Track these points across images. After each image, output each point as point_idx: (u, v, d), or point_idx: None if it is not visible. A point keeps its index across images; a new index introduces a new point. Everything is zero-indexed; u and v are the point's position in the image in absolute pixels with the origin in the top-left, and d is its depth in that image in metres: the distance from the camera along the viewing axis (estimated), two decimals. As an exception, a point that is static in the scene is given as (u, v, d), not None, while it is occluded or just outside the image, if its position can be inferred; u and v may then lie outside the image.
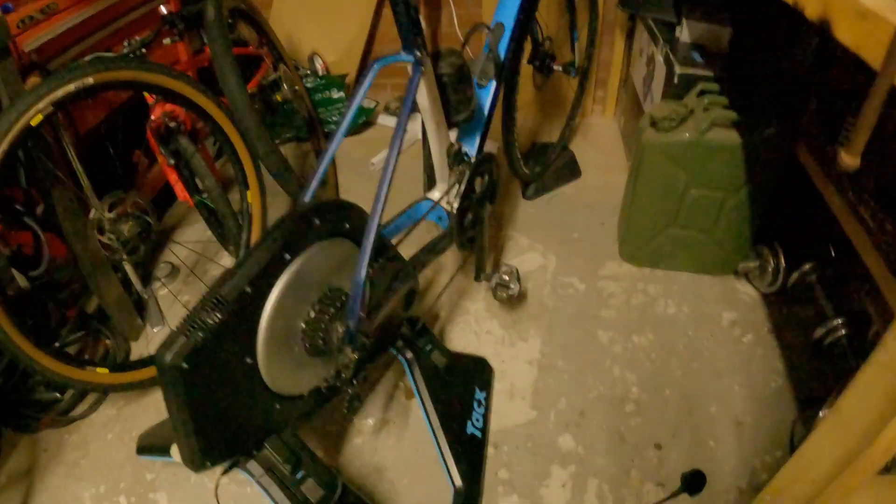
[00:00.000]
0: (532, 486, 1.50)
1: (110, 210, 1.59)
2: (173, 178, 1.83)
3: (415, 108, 1.49)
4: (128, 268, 1.72)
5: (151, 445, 1.54)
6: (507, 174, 2.33)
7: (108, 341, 1.82)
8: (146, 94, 1.77)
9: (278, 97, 2.23)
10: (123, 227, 1.59)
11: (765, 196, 1.75)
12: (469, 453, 1.51)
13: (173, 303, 2.03)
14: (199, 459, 1.13)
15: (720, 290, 1.91)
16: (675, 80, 1.83)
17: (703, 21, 1.89)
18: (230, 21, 2.05)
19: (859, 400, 0.91)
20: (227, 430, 1.17)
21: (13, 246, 1.63)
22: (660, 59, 1.97)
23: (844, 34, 0.82)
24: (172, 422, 1.11)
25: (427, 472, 1.54)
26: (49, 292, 1.73)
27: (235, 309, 1.11)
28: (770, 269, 1.79)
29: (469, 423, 1.55)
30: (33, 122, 1.37)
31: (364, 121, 2.83)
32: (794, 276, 1.73)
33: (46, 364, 1.49)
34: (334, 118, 2.69)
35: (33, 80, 1.57)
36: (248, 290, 1.12)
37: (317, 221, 1.22)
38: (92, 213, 1.58)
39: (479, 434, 1.56)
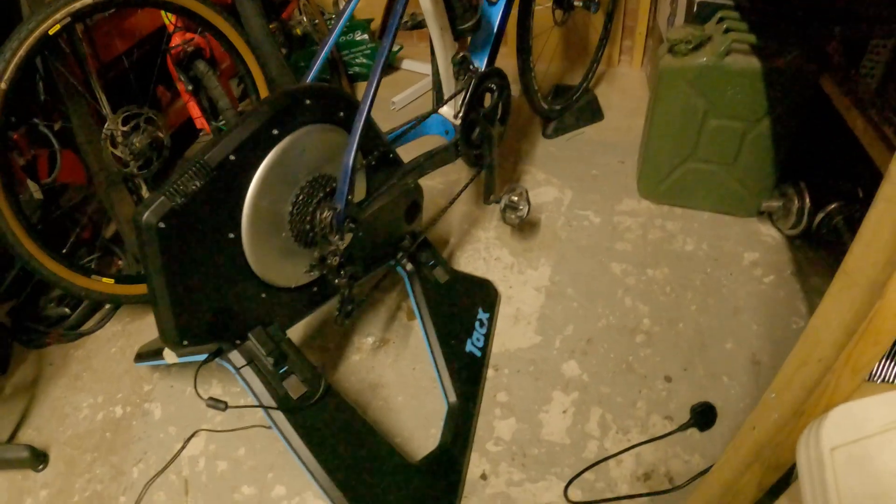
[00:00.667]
0: (531, 411, 1.44)
1: (124, 123, 1.61)
2: (192, 105, 1.85)
3: (423, 24, 1.48)
4: (141, 185, 1.73)
5: (147, 351, 1.53)
6: (528, 113, 2.30)
7: (120, 261, 1.84)
8: (167, 21, 1.80)
9: (298, 31, 2.23)
10: (136, 140, 1.60)
11: (788, 130, 1.66)
12: (466, 371, 1.47)
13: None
14: (177, 336, 1.12)
15: (742, 230, 1.82)
16: (695, 9, 1.76)
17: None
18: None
19: (865, 248, 0.82)
20: (209, 311, 1.15)
21: (28, 156, 1.66)
22: (681, -7, 1.90)
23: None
24: (149, 289, 1.09)
25: (423, 392, 1.50)
26: (61, 204, 1.75)
27: (219, 176, 1.09)
28: (794, 210, 1.70)
29: (469, 342, 1.50)
30: (51, 32, 1.40)
31: (389, 65, 2.82)
32: (820, 216, 1.65)
33: (52, 268, 1.50)
34: (358, 61, 2.69)
35: (54, -8, 1.60)
36: (233, 157, 1.10)
37: (308, 102, 1.20)
38: (106, 125, 1.60)
39: (478, 353, 1.50)
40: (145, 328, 1.74)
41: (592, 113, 2.29)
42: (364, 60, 2.69)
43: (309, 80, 1.30)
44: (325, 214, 1.22)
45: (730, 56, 1.59)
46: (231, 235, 1.14)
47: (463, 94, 1.48)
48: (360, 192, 1.33)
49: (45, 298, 1.77)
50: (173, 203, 1.04)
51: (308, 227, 1.23)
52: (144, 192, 1.74)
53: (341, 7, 2.70)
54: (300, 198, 1.21)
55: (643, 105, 1.93)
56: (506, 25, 1.62)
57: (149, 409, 1.54)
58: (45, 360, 1.70)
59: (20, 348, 1.74)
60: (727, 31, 1.62)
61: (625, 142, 2.22)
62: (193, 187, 1.06)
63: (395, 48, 2.78)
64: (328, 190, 1.24)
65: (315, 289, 1.34)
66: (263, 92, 1.84)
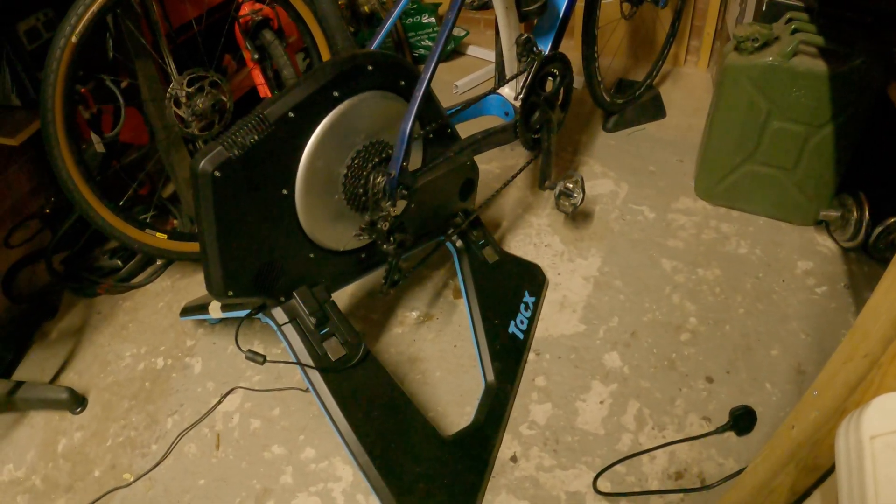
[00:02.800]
0: (568, 398, 1.42)
1: (189, 85, 1.63)
2: (257, 74, 1.87)
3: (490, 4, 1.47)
4: (202, 146, 1.75)
5: (193, 306, 1.55)
6: (590, 106, 2.27)
7: (175, 221, 1.86)
8: (236, -11, 1.82)
9: (366, 8, 2.24)
10: (199, 101, 1.62)
11: (852, 137, 1.61)
12: (507, 352, 1.45)
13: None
14: (223, 285, 1.12)
15: (797, 238, 1.77)
16: (764, 8, 1.71)
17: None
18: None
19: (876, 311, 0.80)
20: (256, 264, 1.15)
21: (93, 110, 1.70)
22: (752, -7, 1.85)
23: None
24: (200, 238, 1.10)
25: (462, 369, 1.49)
26: (121, 160, 1.78)
27: (277, 132, 1.10)
28: (852, 221, 1.64)
29: (512, 323, 1.49)
30: None
31: (452, 48, 2.81)
32: (878, 230, 1.59)
33: (108, 218, 1.53)
34: (423, 43, 2.69)
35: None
36: (292, 115, 1.11)
37: (370, 68, 1.20)
38: (171, 85, 1.62)
39: (521, 336, 1.49)
40: (194, 286, 1.76)
41: (655, 110, 2.24)
42: (429, 43, 2.69)
43: (377, 42, 1.30)
44: (378, 179, 1.22)
45: (796, 57, 1.55)
46: (284, 192, 1.14)
47: (525, 75, 1.46)
48: (415, 162, 1.33)
49: (100, 250, 1.81)
50: (230, 153, 1.04)
51: (361, 190, 1.23)
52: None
53: None
54: (356, 161, 1.21)
55: (706, 106, 1.89)
56: (572, 12, 1.60)
57: (189, 363, 1.57)
58: (93, 309, 1.74)
59: (71, 296, 1.79)
60: (795, 31, 1.58)
61: (685, 141, 2.18)
62: (251, 140, 1.07)
63: (461, 34, 2.78)
64: (384, 156, 1.24)
65: (363, 255, 1.34)
66: (324, 52, 1.84)
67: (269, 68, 1.88)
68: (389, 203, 1.21)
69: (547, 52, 1.53)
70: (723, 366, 1.46)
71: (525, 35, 1.48)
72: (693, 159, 2.06)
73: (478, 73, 2.56)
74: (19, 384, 1.49)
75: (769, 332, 1.53)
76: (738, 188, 1.80)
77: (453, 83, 2.49)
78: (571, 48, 1.73)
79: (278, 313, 1.21)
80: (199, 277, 1.77)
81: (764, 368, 1.45)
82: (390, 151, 1.24)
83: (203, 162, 1.03)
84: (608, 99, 2.10)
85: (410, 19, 2.63)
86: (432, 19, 2.61)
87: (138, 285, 1.78)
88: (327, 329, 1.23)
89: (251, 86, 2.01)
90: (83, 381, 1.55)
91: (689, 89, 2.48)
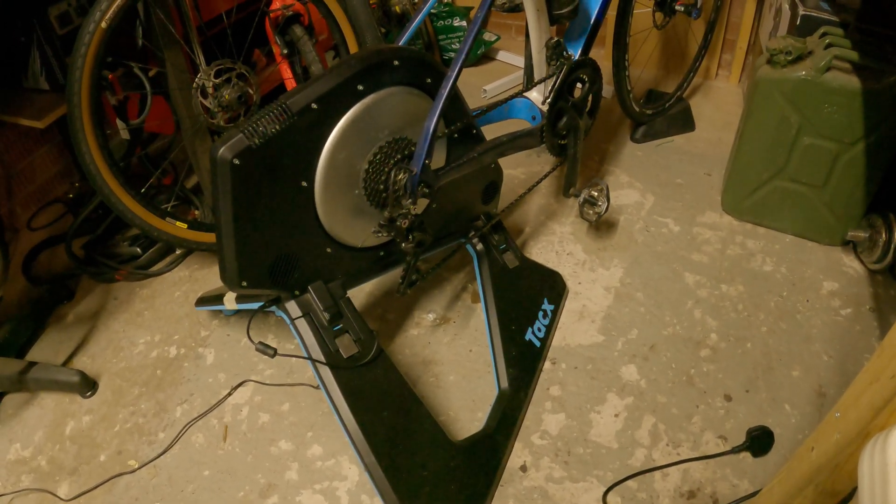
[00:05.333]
0: (583, 409, 1.38)
1: (216, 76, 1.61)
2: (286, 70, 1.85)
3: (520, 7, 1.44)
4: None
5: (208, 297, 1.53)
6: (618, 115, 2.23)
7: (196, 211, 1.85)
8: (268, -16, 1.81)
9: (397, 8, 2.22)
10: (225, 92, 1.60)
11: (884, 156, 1.56)
12: (523, 359, 1.42)
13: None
14: (236, 274, 1.10)
15: (824, 258, 1.72)
16: (798, 22, 1.67)
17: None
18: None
19: None
20: (271, 255, 1.13)
21: (120, 97, 1.69)
22: (786, 6, 1.80)
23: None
24: (216, 225, 1.08)
25: (476, 374, 1.46)
26: (146, 149, 1.77)
27: (299, 122, 1.07)
28: (881, 243, 1.59)
29: (529, 330, 1.45)
30: None
31: (482, 52, 2.78)
32: (907, 253, 1.54)
33: (129, 205, 1.52)
34: (454, 46, 2.67)
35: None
36: (315, 106, 1.08)
37: (397, 63, 1.17)
38: (199, 76, 1.61)
39: (537, 343, 1.45)
40: (212, 276, 1.74)
41: (684, 122, 2.19)
42: (458, 46, 2.64)
43: (402, 40, 1.28)
44: (400, 176, 1.19)
45: (829, 72, 1.51)
46: (304, 184, 1.12)
47: (553, 79, 1.42)
48: (438, 161, 1.30)
49: (120, 236, 1.80)
50: (250, 142, 1.02)
51: (382, 186, 1.20)
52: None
53: None
54: (377, 157, 1.18)
55: (736, 120, 1.85)
56: (603, 17, 1.57)
57: (202, 353, 1.55)
58: (110, 295, 1.73)
59: (89, 281, 1.77)
60: (829, 46, 1.54)
61: (713, 154, 2.13)
62: (273, 130, 1.04)
63: (492, 38, 2.75)
64: (406, 153, 1.21)
65: (382, 253, 1.32)
66: (353, 49, 1.83)
67: (297, 63, 1.86)
68: (410, 201, 1.18)
69: (577, 58, 1.50)
70: (742, 384, 1.41)
71: (555, 39, 1.44)
72: (721, 173, 2.01)
73: (507, 78, 2.53)
74: (31, 364, 1.47)
75: (791, 353, 1.48)
76: (765, 204, 1.75)
77: (482, 87, 2.46)
78: (601, 58, 1.68)
79: (292, 307, 1.19)
80: (217, 268, 1.74)
81: (784, 389, 1.40)
82: (413, 149, 1.21)
83: (223, 149, 1.01)
84: (637, 109, 2.05)
85: (442, 22, 2.60)
86: (463, 23, 2.57)
87: (156, 273, 1.76)
88: (341, 325, 1.20)
89: (280, 81, 2.00)
90: (95, 366, 1.54)
91: (719, 103, 2.43)
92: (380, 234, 1.21)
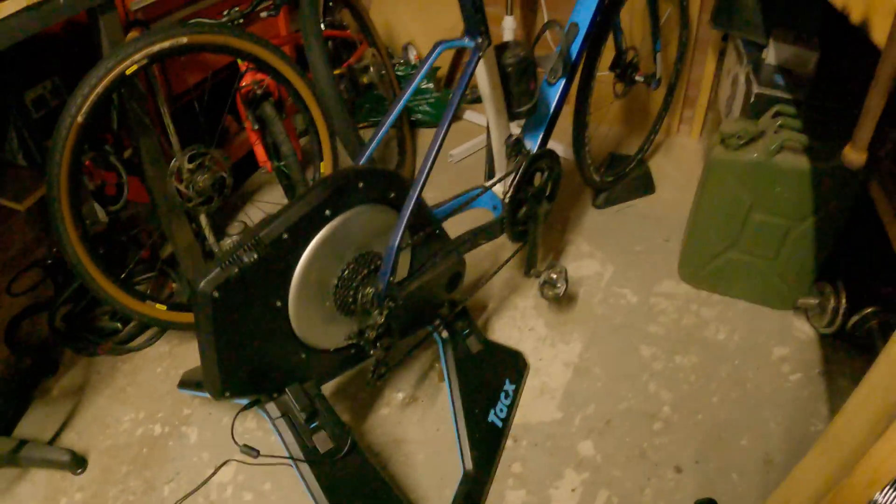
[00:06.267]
0: (542, 485, 1.59)
1: (190, 161, 1.80)
2: (256, 142, 2.04)
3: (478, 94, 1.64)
4: (202, 218, 1.93)
5: (191, 380, 1.73)
6: (581, 181, 2.43)
7: (174, 284, 2.05)
8: (239, 62, 1.99)
9: (365, 79, 2.41)
10: (199, 178, 1.79)
11: (832, 231, 1.78)
12: (486, 441, 1.63)
13: (237, 258, 2.22)
14: (220, 387, 1.30)
15: (776, 323, 1.94)
16: (752, 99, 1.88)
17: (791, 44, 1.94)
18: (331, 4, 2.25)
19: (849, 419, 0.96)
20: (251, 367, 1.33)
21: (97, 182, 1.88)
22: (742, 79, 2.02)
23: (879, 34, 0.89)
24: (200, 346, 1.28)
25: (444, 452, 1.66)
26: (126, 229, 1.97)
27: (271, 252, 1.26)
28: (830, 309, 1.81)
29: (492, 412, 1.66)
30: (128, 72, 1.58)
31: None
32: (854, 319, 1.75)
33: (109, 290, 1.69)
34: (422, 108, 2.87)
35: (133, 34, 1.80)
36: (286, 236, 1.27)
37: (361, 185, 1.37)
38: (173, 162, 1.80)
39: (499, 424, 1.66)
40: (190, 353, 1.94)
41: (644, 186, 2.42)
42: (427, 108, 2.88)
43: (368, 154, 1.47)
44: (367, 290, 1.39)
45: (780, 154, 1.71)
46: (279, 304, 1.32)
47: (513, 175, 1.63)
48: (403, 269, 1.50)
49: (100, 310, 1.99)
50: (228, 274, 1.22)
51: (351, 299, 1.40)
52: (203, 222, 1.95)
53: (409, 55, 2.90)
54: (345, 273, 1.38)
55: (695, 179, 2.05)
56: (563, 105, 1.76)
57: (186, 432, 1.74)
58: (93, 369, 1.92)
59: (71, 353, 1.97)
60: (780, 127, 1.74)
61: (672, 218, 2.35)
62: (248, 260, 1.24)
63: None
64: (373, 267, 1.41)
65: (352, 350, 1.52)
66: (325, 141, 2.03)
67: (267, 135, 2.05)
68: (377, 312, 1.39)
69: (535, 151, 1.70)
70: (693, 455, 1.63)
71: (514, 137, 1.65)
72: (679, 238, 2.23)
73: (473, 141, 2.75)
74: (23, 443, 1.66)
75: (740, 421, 1.70)
76: (720, 274, 1.98)
77: (449, 151, 2.66)
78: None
79: (272, 408, 1.38)
80: (196, 345, 1.94)
81: (733, 458, 1.62)
82: (379, 262, 1.41)
83: (203, 283, 1.20)
84: (598, 179, 2.28)
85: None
86: (430, 85, 2.80)
87: (137, 349, 1.96)
88: (317, 423, 1.40)
89: (250, 147, 2.19)
90: (83, 442, 1.73)
91: (680, 160, 2.66)
92: (350, 341, 1.42)
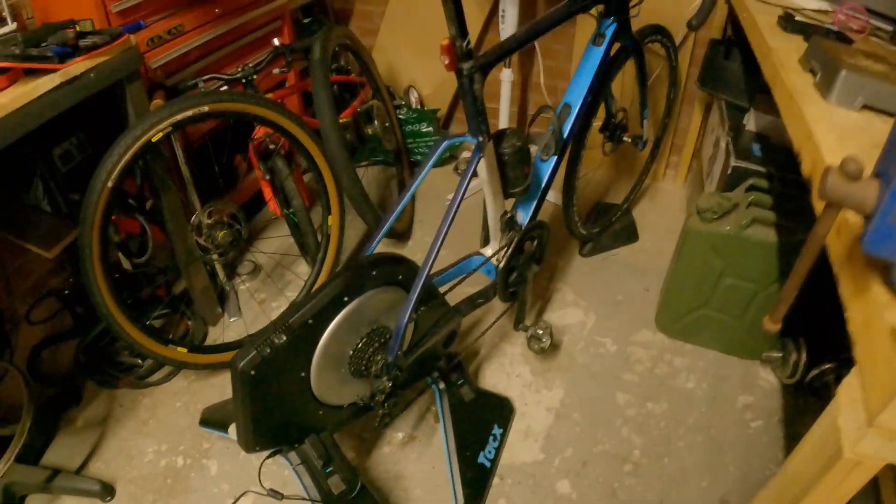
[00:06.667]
0: (524, 520, 1.90)
1: (209, 216, 2.06)
2: (267, 191, 2.29)
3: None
4: (217, 265, 2.20)
5: (213, 420, 2.02)
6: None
7: (189, 322, 2.32)
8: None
9: (370, 130, 2.67)
10: (218, 234, 2.06)
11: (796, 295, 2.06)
12: (476, 480, 1.92)
13: (249, 299, 2.54)
14: (252, 443, 1.59)
15: (742, 373, 2.25)
16: (730, 171, 2.17)
17: (771, 113, 2.20)
18: (335, 50, 2.49)
19: (798, 462, 1.10)
20: (277, 425, 1.61)
21: (123, 235, 2.13)
22: (722, 145, 2.31)
23: (817, 203, 1.15)
24: (235, 412, 1.56)
25: (439, 488, 1.95)
26: (148, 277, 2.24)
27: (299, 334, 1.54)
28: (791, 362, 2.10)
29: (481, 454, 1.96)
30: (154, 139, 1.84)
31: (449, 155, 3.31)
32: (814, 372, 2.03)
33: (137, 337, 1.97)
34: (421, 149, 3.16)
35: (157, 101, 2.04)
36: (311, 321, 1.55)
37: (374, 273, 1.64)
38: (193, 217, 2.06)
39: (488, 465, 1.96)
40: (207, 389, 2.22)
41: (628, 235, 2.73)
42: (426, 150, 3.17)
43: (373, 246, 1.74)
44: (378, 359, 1.68)
45: (750, 228, 2.00)
46: (303, 374, 1.60)
47: (506, 248, 1.91)
48: (407, 335, 1.78)
49: (120, 344, 2.26)
50: (262, 355, 1.49)
51: (363, 367, 1.69)
52: (219, 270, 2.22)
53: (411, 97, 3.15)
54: (359, 345, 1.66)
55: (677, 227, 2.34)
56: (554, 178, 2.03)
57: (206, 464, 2.03)
58: (115, 401, 2.20)
59: (92, 384, 2.24)
60: (752, 203, 2.02)
61: (653, 267, 2.65)
62: (278, 342, 1.52)
63: (457, 142, 3.21)
64: (383, 340, 1.69)
65: (361, 404, 1.81)
66: (333, 196, 2.30)
67: (278, 184, 2.30)
68: (386, 378, 1.67)
69: (528, 222, 1.98)
70: (658, 496, 1.92)
71: (508, 214, 1.92)
72: (658, 288, 2.53)
73: (471, 185, 3.00)
74: (56, 473, 1.94)
75: (703, 465, 1.99)
76: (693, 327, 2.28)
77: (445, 195, 2.94)
78: None
79: (293, 456, 1.67)
80: (212, 381, 2.24)
81: (692, 500, 1.91)
82: (388, 336, 1.69)
83: (242, 364, 1.48)
84: (585, 232, 2.58)
85: (410, 127, 3.11)
86: (430, 128, 3.08)
87: (156, 383, 2.24)
88: (331, 468, 1.70)
89: (258, 188, 2.45)
90: (110, 471, 2.01)
91: (664, 208, 2.97)
92: (362, 402, 1.71)
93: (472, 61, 1.59)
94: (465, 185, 1.69)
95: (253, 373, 1.49)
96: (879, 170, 0.92)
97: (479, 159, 1.72)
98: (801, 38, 1.76)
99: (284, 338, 1.52)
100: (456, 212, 1.67)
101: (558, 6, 1.85)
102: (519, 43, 1.76)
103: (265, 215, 2.97)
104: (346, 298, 1.60)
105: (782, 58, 1.62)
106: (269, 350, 1.50)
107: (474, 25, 3.09)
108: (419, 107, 3.30)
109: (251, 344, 1.51)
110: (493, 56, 1.67)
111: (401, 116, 3.14)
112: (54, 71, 1.67)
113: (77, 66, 1.71)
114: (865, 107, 1.39)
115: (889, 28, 1.79)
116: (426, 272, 1.66)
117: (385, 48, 3.38)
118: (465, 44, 1.55)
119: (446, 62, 1.56)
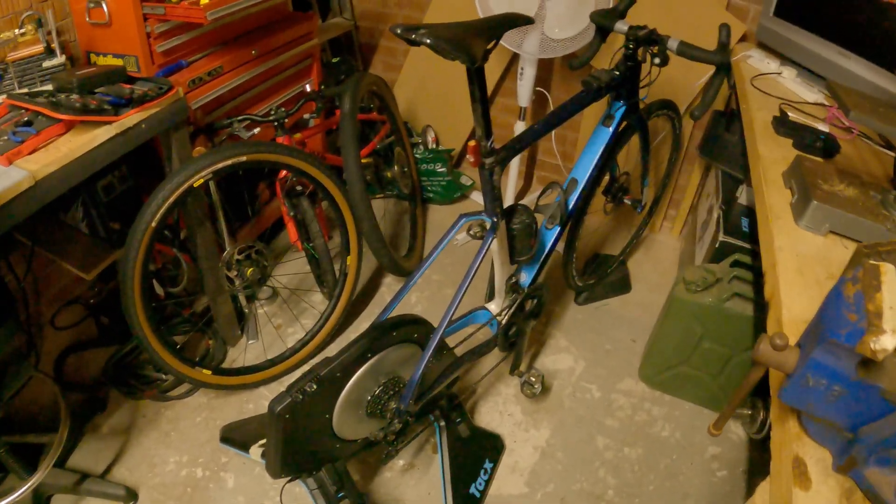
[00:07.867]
0: (508, 547, 2.49)
1: (239, 253, 2.60)
2: (291, 227, 2.80)
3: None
4: (241, 297, 2.74)
5: (234, 439, 2.57)
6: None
7: (210, 342, 2.87)
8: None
9: (389, 174, 3.22)
10: (247, 270, 2.60)
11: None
12: (466, 509, 2.51)
13: (267, 323, 3.10)
14: (279, 472, 2.14)
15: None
16: (717, 245, 2.72)
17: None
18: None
19: None
20: (301, 456, 2.17)
21: (159, 265, 2.67)
22: (714, 216, 2.86)
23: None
24: (268, 446, 2.11)
25: (433, 514, 2.54)
26: (178, 302, 2.80)
27: (327, 383, 2.09)
28: (759, 419, 2.65)
29: (473, 485, 2.53)
30: (195, 185, 2.33)
31: (460, 194, 3.93)
32: (778, 431, 2.63)
33: (167, 359, 2.49)
34: (434, 188, 3.77)
35: (199, 148, 2.56)
36: (339, 374, 2.10)
37: (394, 333, 2.19)
38: (225, 253, 2.60)
39: (478, 495, 2.53)
40: (226, 406, 2.77)
41: (622, 286, 3.32)
42: (439, 189, 3.79)
43: (389, 311, 2.29)
44: (391, 404, 2.23)
45: (730, 301, 2.55)
46: (327, 416, 2.15)
47: (508, 308, 2.47)
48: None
49: (146, 360, 2.81)
50: (295, 400, 2.04)
51: (378, 410, 2.24)
52: (241, 297, 2.76)
53: (427, 137, 3.71)
54: (376, 392, 2.21)
55: (669, 282, 2.90)
56: (557, 244, 2.58)
57: (224, 477, 2.56)
58: (139, 412, 2.74)
59: (117, 393, 2.78)
60: (734, 278, 2.58)
61: (642, 319, 3.24)
62: (309, 390, 2.06)
63: (468, 182, 3.88)
64: (397, 388, 2.25)
65: (371, 440, 2.38)
66: (353, 240, 2.85)
67: (300, 218, 2.83)
68: (396, 421, 2.24)
69: (529, 284, 2.53)
70: (625, 535, 2.53)
71: (513, 279, 2.48)
72: (644, 340, 3.10)
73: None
74: (84, 477, 2.45)
75: (668, 508, 2.59)
76: (672, 381, 2.84)
77: (455, 237, 3.46)
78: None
79: (311, 482, 2.21)
80: (231, 399, 2.79)
81: (656, 540, 2.51)
82: (402, 385, 2.25)
83: (279, 408, 2.03)
84: (581, 284, 3.15)
85: (425, 166, 3.70)
86: (444, 169, 3.66)
87: (177, 398, 2.78)
88: (343, 494, 2.26)
89: (279, 215, 2.99)
90: (133, 478, 2.53)
91: (658, 260, 3.57)
92: (374, 439, 2.28)
93: (493, 157, 2.11)
94: (479, 261, 2.23)
95: (287, 416, 2.05)
96: (801, 342, 1.28)
97: (494, 235, 2.27)
98: (791, 143, 2.27)
99: (315, 387, 2.08)
100: (469, 283, 2.22)
101: (573, 97, 2.36)
102: (536, 136, 2.29)
103: (283, 240, 3.54)
104: (369, 355, 2.16)
105: (767, 168, 2.14)
106: (301, 397, 2.06)
107: (493, 75, 3.66)
108: (435, 146, 3.88)
109: (287, 391, 2.06)
110: (512, 150, 2.18)
111: (417, 155, 3.73)
112: (109, 123, 2.10)
113: (131, 119, 2.15)
114: (832, 231, 1.82)
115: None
116: (439, 335, 2.21)
117: (406, 85, 3.97)
118: (489, 143, 2.07)
119: (471, 160, 2.10)
